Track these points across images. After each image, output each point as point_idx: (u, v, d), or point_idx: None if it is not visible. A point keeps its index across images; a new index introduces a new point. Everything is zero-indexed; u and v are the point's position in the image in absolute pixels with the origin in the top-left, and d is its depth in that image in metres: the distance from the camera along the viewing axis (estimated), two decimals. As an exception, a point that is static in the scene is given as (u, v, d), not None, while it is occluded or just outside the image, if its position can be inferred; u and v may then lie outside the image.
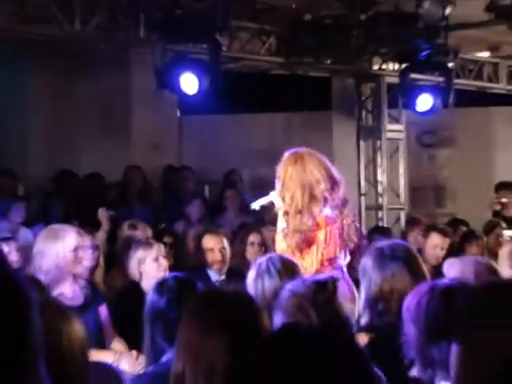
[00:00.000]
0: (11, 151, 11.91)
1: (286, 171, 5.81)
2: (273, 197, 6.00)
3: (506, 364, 1.35)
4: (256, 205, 6.36)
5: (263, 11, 10.20)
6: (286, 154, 5.89)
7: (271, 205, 6.09)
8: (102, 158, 11.47)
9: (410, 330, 3.28)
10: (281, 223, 5.90)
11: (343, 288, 4.92)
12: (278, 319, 3.49)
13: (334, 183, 5.79)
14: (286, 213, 5.80)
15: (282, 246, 5.80)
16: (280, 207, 5.87)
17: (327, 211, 5.76)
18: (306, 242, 5.71)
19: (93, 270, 6.69)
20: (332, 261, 5.70)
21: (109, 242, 7.86)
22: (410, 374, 3.25)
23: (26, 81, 12.14)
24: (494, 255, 7.15)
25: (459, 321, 1.85)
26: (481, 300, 1.82)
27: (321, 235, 5.70)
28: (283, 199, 5.82)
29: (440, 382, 2.94)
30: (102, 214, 8.04)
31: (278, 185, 5.89)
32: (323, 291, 3.41)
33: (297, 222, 5.74)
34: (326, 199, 5.73)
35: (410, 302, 3.36)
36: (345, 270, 5.74)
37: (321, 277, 3.64)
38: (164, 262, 6.50)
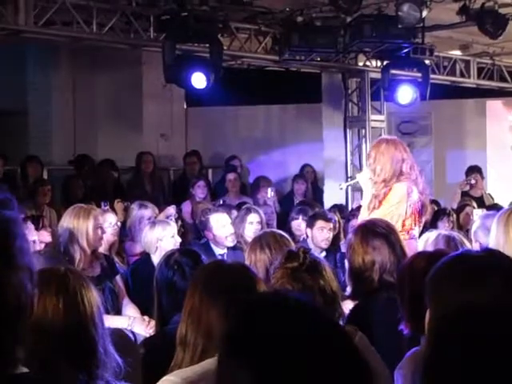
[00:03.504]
0: (37, 140, 11.92)
1: (377, 149, 5.99)
2: (359, 178, 6.20)
3: (458, 323, 1.36)
4: (344, 185, 6.44)
5: (260, 14, 10.18)
6: (377, 139, 6.09)
7: (357, 184, 6.26)
8: (117, 145, 11.47)
9: (399, 293, 3.31)
10: (366, 196, 6.01)
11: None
12: None
13: (413, 164, 5.99)
14: (376, 182, 5.95)
15: (366, 214, 5.86)
16: (371, 179, 5.98)
17: (410, 186, 5.87)
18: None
19: (111, 244, 6.66)
20: (409, 232, 5.78)
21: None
22: (399, 328, 3.25)
23: (50, 77, 12.13)
24: (466, 232, 7.19)
25: (429, 286, 1.89)
26: (446, 270, 1.86)
27: (402, 209, 5.79)
28: (374, 171, 5.95)
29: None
30: (118, 206, 7.89)
31: (368, 163, 6.06)
32: (292, 260, 3.39)
33: (379, 189, 5.88)
34: (410, 175, 5.89)
35: (398, 270, 3.37)
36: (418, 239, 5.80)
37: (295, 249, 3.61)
38: (178, 239, 6.42)
